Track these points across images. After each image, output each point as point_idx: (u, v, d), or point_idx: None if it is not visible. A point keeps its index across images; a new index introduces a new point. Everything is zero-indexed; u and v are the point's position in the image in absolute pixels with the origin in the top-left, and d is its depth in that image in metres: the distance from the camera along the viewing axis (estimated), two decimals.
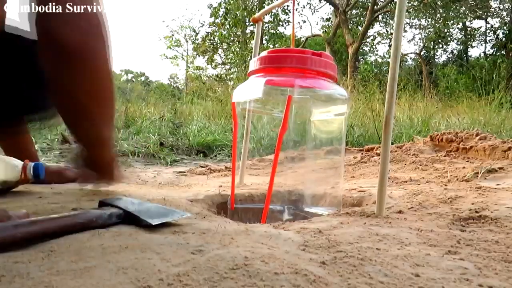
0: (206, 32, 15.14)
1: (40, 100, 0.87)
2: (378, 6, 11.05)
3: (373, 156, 1.69)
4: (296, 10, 13.08)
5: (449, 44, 14.47)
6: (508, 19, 13.18)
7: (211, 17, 14.16)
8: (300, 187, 0.97)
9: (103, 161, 0.81)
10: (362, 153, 1.80)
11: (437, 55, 14.94)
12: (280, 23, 13.62)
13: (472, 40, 14.55)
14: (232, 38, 13.94)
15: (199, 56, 16.28)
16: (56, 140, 2.17)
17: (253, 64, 0.80)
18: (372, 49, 16.11)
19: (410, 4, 11.12)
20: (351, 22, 13.07)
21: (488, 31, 14.26)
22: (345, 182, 1.17)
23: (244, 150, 1.11)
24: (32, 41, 0.60)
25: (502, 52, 12.61)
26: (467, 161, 1.45)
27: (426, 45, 13.98)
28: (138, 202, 0.64)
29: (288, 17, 13.28)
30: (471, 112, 3.64)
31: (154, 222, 0.57)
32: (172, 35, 18.45)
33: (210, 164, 1.75)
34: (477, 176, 1.09)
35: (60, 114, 0.71)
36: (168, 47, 18.73)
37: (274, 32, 13.77)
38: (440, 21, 12.30)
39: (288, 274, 0.40)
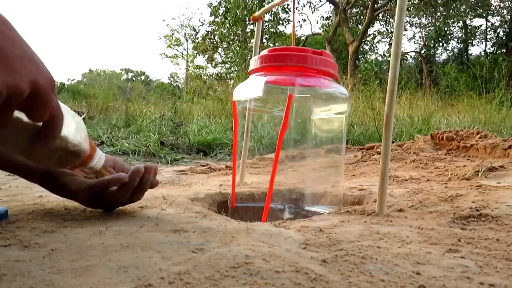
0: (206, 31, 15.14)
1: None
2: (378, 4, 11.04)
3: (373, 155, 1.69)
4: (296, 8, 13.07)
5: (449, 43, 14.44)
6: (509, 17, 13.16)
7: (211, 16, 14.16)
8: (300, 185, 0.97)
9: None
10: (362, 152, 1.80)
11: (437, 54, 14.91)
12: (280, 21, 13.61)
13: (472, 38, 14.52)
14: (232, 37, 13.93)
15: (199, 55, 16.29)
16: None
17: (254, 63, 0.79)
18: (372, 47, 16.09)
19: (410, 3, 11.11)
20: (351, 20, 13.06)
21: (488, 29, 14.24)
22: (346, 180, 1.17)
23: (244, 149, 1.11)
24: None
25: (503, 50, 12.59)
26: (468, 159, 1.45)
27: (426, 43, 13.95)
28: None
29: (288, 16, 13.27)
30: (471, 111, 3.64)
31: None
32: (172, 34, 18.46)
33: (210, 163, 1.75)
34: (478, 175, 1.09)
35: None
36: (168, 46, 18.74)
37: (274, 31, 13.75)
38: (440, 20, 12.28)
39: (289, 272, 0.40)
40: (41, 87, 0.39)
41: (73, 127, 0.48)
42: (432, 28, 13.19)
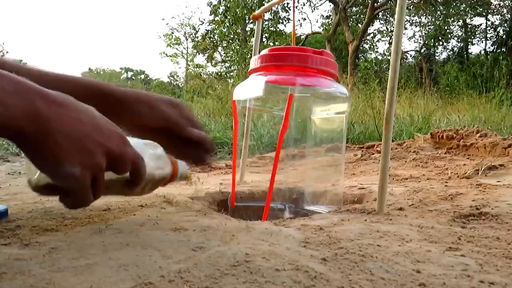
0: (206, 30, 15.15)
1: None
2: (378, 3, 11.03)
3: (373, 154, 1.69)
4: (296, 7, 13.05)
5: (449, 42, 14.44)
6: (509, 16, 13.15)
7: (211, 14, 14.16)
8: (300, 184, 0.96)
9: None
10: (362, 151, 1.80)
11: (437, 53, 14.91)
12: (280, 20, 13.61)
13: (472, 37, 14.51)
14: (232, 36, 13.93)
15: (199, 54, 16.30)
16: None
17: (254, 62, 0.79)
18: (372, 46, 16.08)
19: (410, 2, 11.10)
20: (351, 19, 13.05)
21: (488, 28, 14.23)
22: (346, 179, 1.17)
23: (244, 148, 1.11)
24: None
25: (503, 49, 12.58)
26: (468, 158, 1.45)
27: (426, 42, 13.96)
28: None
29: (288, 15, 13.27)
30: (471, 110, 3.64)
31: None
32: (172, 33, 18.42)
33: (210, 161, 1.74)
34: (478, 173, 1.09)
35: None
36: (168, 45, 18.70)
37: (274, 29, 13.75)
38: (440, 19, 12.28)
39: (289, 270, 0.40)
40: (114, 151, 0.44)
41: (152, 162, 0.54)
42: (432, 27, 13.19)
